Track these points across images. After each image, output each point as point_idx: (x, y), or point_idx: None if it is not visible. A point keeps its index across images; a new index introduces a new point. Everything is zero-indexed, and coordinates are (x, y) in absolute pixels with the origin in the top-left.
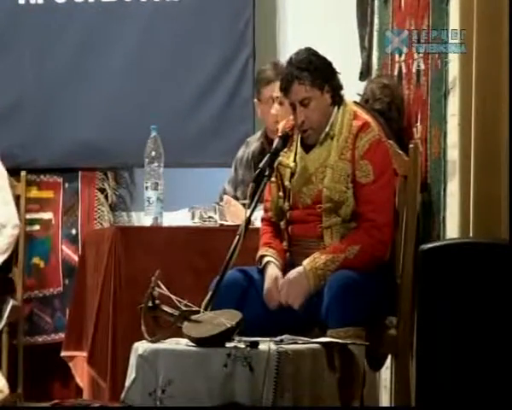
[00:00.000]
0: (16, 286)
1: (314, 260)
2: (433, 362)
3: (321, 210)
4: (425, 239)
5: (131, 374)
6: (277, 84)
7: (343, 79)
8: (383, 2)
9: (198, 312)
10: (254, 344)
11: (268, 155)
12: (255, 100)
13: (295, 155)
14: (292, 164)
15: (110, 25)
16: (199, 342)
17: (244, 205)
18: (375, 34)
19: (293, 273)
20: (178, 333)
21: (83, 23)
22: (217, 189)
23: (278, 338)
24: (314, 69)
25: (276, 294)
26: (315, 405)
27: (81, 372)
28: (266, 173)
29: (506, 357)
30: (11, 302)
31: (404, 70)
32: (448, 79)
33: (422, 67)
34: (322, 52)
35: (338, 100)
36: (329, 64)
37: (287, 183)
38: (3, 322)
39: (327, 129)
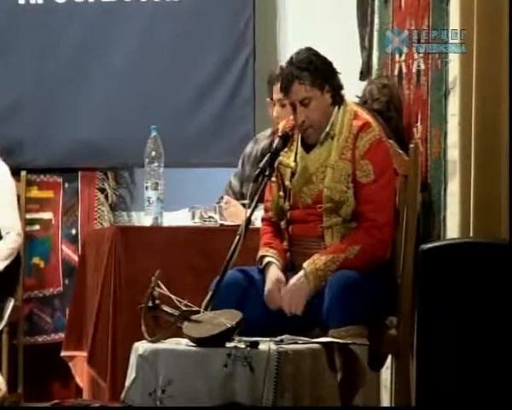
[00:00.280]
0: (16, 286)
1: (314, 262)
2: (434, 362)
3: (321, 210)
4: (425, 239)
5: (131, 374)
6: None
7: (343, 78)
8: (383, 2)
9: (198, 312)
10: (254, 344)
11: (268, 154)
12: (267, 99)
13: (296, 154)
14: (292, 164)
15: (110, 25)
16: (199, 342)
17: (244, 205)
18: (376, 34)
19: (293, 281)
20: (178, 333)
21: (83, 23)
22: (217, 189)
23: (278, 338)
24: (314, 69)
25: (277, 296)
26: (315, 405)
27: (81, 372)
28: (267, 173)
29: (506, 357)
30: (12, 302)
31: (404, 70)
32: (448, 79)
33: (423, 66)
34: (322, 52)
35: (338, 100)
36: (330, 64)
37: (287, 183)
38: (4, 322)
39: (327, 129)
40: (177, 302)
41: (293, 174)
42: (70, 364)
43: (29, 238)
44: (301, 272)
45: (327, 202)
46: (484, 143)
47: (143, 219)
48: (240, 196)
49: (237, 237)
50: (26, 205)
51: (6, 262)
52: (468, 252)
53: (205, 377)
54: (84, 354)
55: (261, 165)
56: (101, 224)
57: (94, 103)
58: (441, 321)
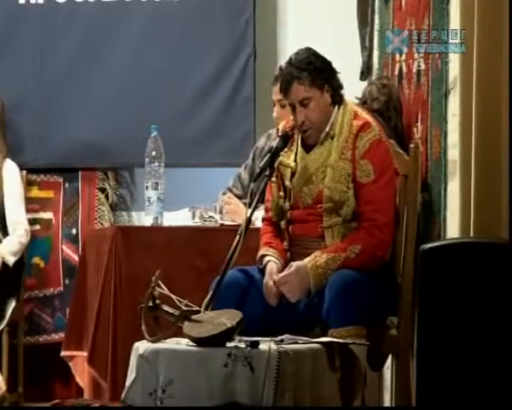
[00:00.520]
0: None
1: (315, 259)
2: (434, 362)
3: (321, 210)
4: (425, 239)
5: (132, 374)
6: None
7: (343, 78)
8: (384, 2)
9: (198, 312)
10: (255, 344)
11: (268, 154)
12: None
13: (296, 154)
14: (292, 164)
15: (110, 25)
16: (199, 341)
17: (245, 204)
18: (376, 34)
19: (294, 265)
20: (179, 333)
21: (83, 23)
22: (217, 189)
23: (279, 338)
24: (313, 69)
25: (274, 289)
26: (315, 405)
27: (81, 372)
28: (267, 173)
29: (506, 357)
30: (14, 303)
31: (404, 70)
32: (448, 79)
33: (423, 66)
34: (322, 52)
35: (338, 100)
36: (329, 64)
37: (287, 183)
38: (5, 322)
39: (327, 129)
40: (177, 302)
41: (293, 174)
42: (70, 364)
43: (29, 238)
44: (302, 263)
45: (327, 202)
46: (484, 143)
47: (144, 218)
48: (248, 189)
49: (237, 236)
50: (26, 205)
51: (15, 258)
52: (468, 252)
53: (205, 376)
54: (85, 353)
55: (261, 165)
56: (102, 224)
57: (94, 103)
58: (441, 321)
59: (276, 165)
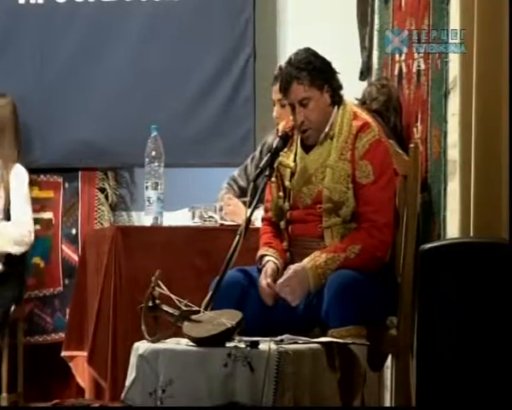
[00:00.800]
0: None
1: (314, 259)
2: (434, 362)
3: (321, 210)
4: (425, 239)
5: (132, 374)
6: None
7: (343, 79)
8: (384, 2)
9: (198, 312)
10: (255, 344)
11: (268, 154)
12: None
13: (295, 155)
14: (292, 164)
15: (110, 25)
16: (199, 341)
17: (244, 203)
18: (376, 34)
19: (294, 271)
20: (179, 333)
21: (83, 23)
22: (217, 188)
23: (278, 338)
24: (313, 69)
25: (268, 290)
26: (315, 405)
27: (81, 372)
28: (266, 173)
29: (506, 357)
30: (14, 306)
31: (404, 70)
32: (448, 79)
33: (423, 66)
34: (321, 52)
35: (337, 100)
36: (329, 64)
37: (287, 183)
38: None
39: (326, 129)
40: (177, 302)
41: (292, 174)
42: (70, 364)
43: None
44: (301, 264)
45: (326, 203)
46: (484, 143)
47: (143, 218)
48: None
49: (237, 236)
50: None
51: (16, 248)
52: (468, 252)
53: (205, 376)
54: (85, 353)
55: (261, 165)
56: (102, 224)
57: (94, 103)
58: (441, 321)
59: (275, 165)
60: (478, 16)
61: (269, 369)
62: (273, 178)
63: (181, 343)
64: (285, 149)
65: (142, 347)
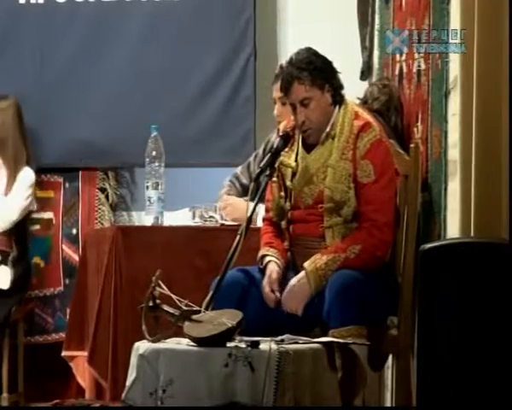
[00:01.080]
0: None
1: (315, 262)
2: (434, 362)
3: (322, 210)
4: (425, 239)
5: (132, 374)
6: None
7: (343, 78)
8: (384, 2)
9: (199, 311)
10: (255, 344)
11: (269, 154)
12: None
13: (297, 154)
14: (293, 164)
15: (110, 24)
16: (200, 341)
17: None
18: (376, 34)
19: (294, 281)
20: (179, 333)
21: (83, 23)
22: (217, 188)
23: (279, 338)
24: (314, 69)
25: (271, 294)
26: (316, 405)
27: (82, 372)
28: (267, 173)
29: (506, 357)
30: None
31: (404, 70)
32: (449, 79)
33: (423, 66)
34: (322, 52)
35: (339, 100)
36: (330, 64)
37: (288, 183)
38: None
39: (328, 129)
40: (177, 302)
41: (293, 174)
42: (71, 364)
43: (30, 238)
44: (302, 273)
45: (328, 202)
46: (484, 143)
47: (144, 218)
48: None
49: (238, 236)
50: None
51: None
52: (468, 252)
53: (205, 376)
54: (85, 353)
55: (262, 165)
56: (102, 223)
57: (94, 103)
58: (441, 321)
59: (276, 165)
60: (478, 16)
61: (269, 369)
62: (274, 178)
63: (181, 343)
64: (286, 149)
65: (142, 347)
